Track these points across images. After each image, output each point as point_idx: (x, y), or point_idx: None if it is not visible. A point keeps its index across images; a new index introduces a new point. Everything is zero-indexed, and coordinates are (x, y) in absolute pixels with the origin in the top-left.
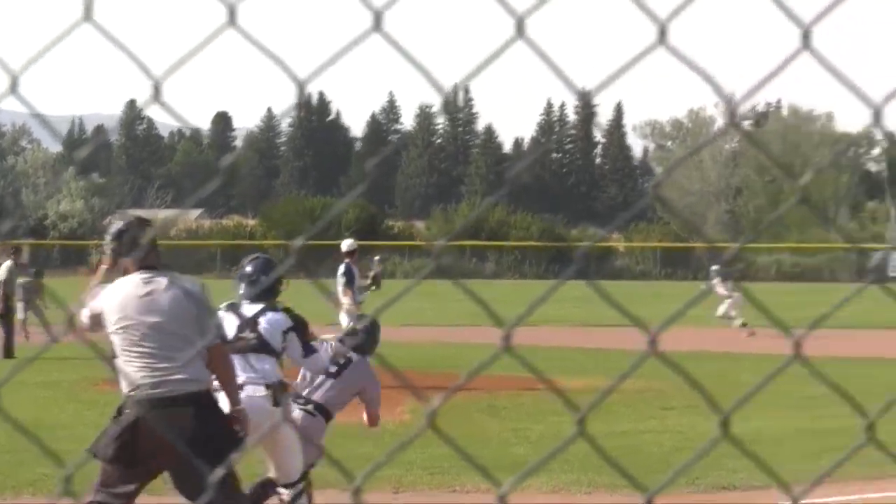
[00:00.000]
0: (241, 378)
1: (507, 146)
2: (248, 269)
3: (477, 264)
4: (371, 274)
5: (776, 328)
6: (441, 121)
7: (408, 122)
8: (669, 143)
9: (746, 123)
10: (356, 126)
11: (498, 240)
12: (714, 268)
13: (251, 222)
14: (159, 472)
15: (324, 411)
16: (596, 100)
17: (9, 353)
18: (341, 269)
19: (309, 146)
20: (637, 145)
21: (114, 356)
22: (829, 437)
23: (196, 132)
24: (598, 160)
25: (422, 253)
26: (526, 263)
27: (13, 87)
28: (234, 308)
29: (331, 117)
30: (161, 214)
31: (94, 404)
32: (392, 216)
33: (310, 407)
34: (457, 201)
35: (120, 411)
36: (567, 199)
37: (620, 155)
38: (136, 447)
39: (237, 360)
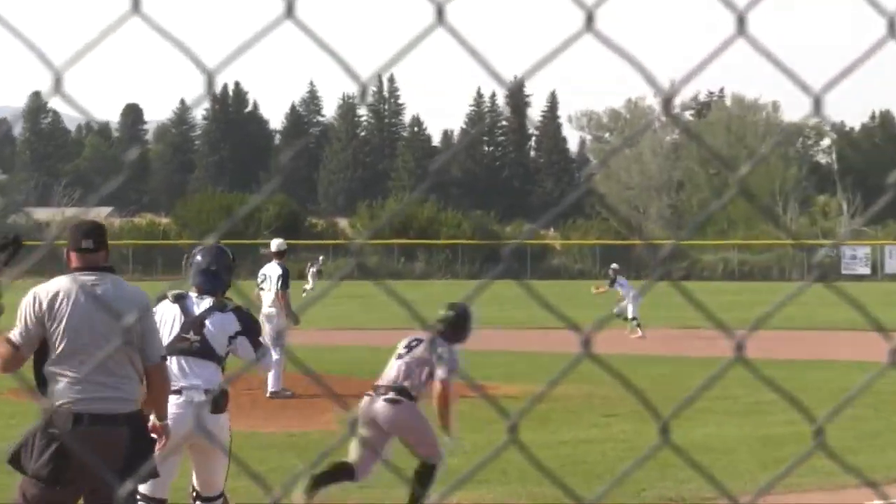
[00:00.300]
0: (179, 383)
1: (437, 139)
2: (200, 258)
3: (406, 264)
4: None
5: (719, 329)
6: (364, 112)
7: (330, 113)
8: (607, 135)
9: (687, 113)
10: (275, 118)
11: (428, 238)
12: (614, 266)
13: (164, 220)
14: (81, 493)
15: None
16: (528, 89)
17: None
18: (276, 269)
19: (225, 139)
20: (573, 137)
21: (39, 361)
22: (782, 444)
23: (104, 125)
24: (532, 153)
25: (347, 252)
26: (458, 262)
27: None
28: (181, 300)
29: (248, 109)
30: (68, 213)
31: None
32: (315, 213)
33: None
34: (383, 197)
35: (47, 424)
36: (500, 194)
37: (556, 147)
38: (69, 465)
39: (176, 362)
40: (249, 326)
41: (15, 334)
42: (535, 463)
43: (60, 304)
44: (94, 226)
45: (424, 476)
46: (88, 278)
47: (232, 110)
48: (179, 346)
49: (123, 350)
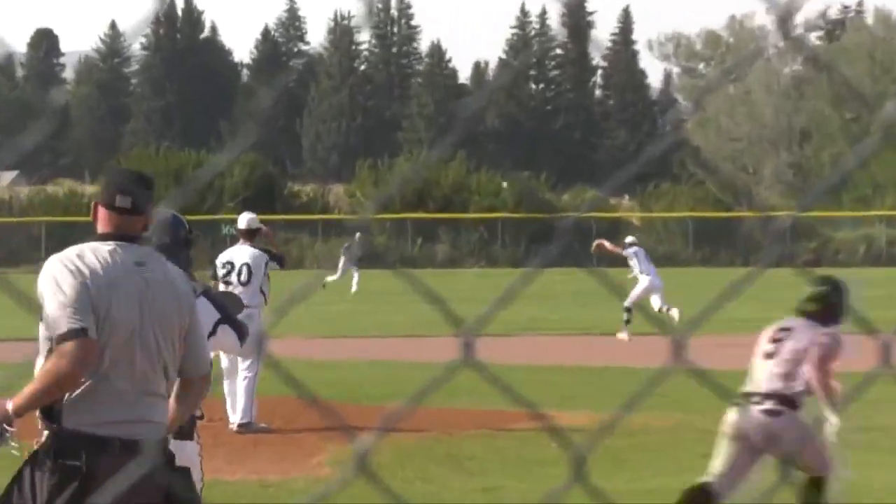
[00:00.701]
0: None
1: (465, 74)
2: (148, 233)
3: (425, 247)
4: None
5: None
6: (366, 37)
7: (316, 40)
8: (702, 66)
9: (814, 36)
10: (242, 47)
11: (454, 211)
12: (629, 239)
13: (89, 189)
14: None
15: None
16: (592, 3)
17: None
18: (245, 255)
19: (173, 77)
20: (655, 70)
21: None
22: None
23: (6, 59)
24: (598, 92)
25: (342, 230)
26: (496, 244)
27: None
28: None
29: (204, 34)
30: None
31: None
32: (298, 177)
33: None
34: (392, 155)
35: (57, 451)
36: (554, 150)
37: (630, 84)
38: None
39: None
40: (227, 306)
41: (72, 318)
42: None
43: (107, 284)
44: (137, 177)
45: (818, 491)
46: (133, 252)
47: (182, 37)
48: None
49: (165, 356)
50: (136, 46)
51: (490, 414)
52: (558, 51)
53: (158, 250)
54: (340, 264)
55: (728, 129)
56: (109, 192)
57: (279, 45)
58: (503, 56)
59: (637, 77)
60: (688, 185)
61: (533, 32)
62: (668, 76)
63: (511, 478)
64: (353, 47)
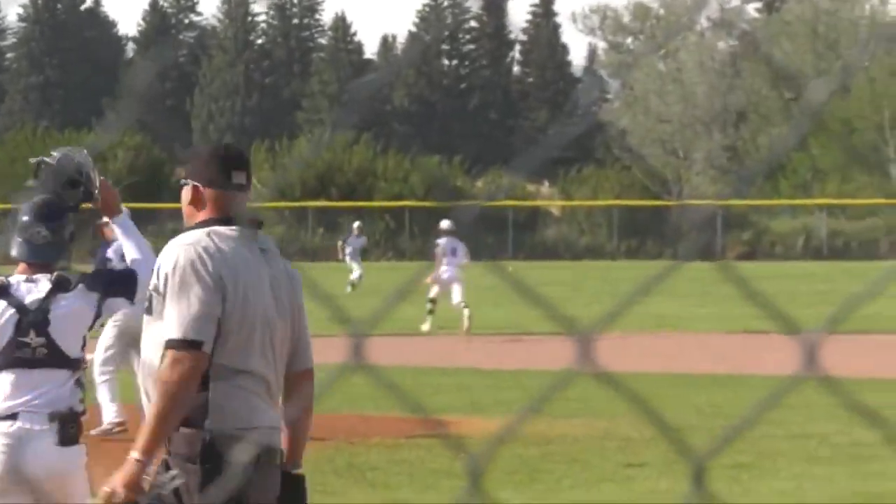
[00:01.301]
0: (13, 404)
1: (371, 49)
2: (26, 217)
3: (325, 237)
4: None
5: (793, 333)
6: (262, 8)
7: (209, 10)
8: (629, 41)
9: (751, 7)
10: (127, 19)
11: (359, 198)
12: (444, 224)
13: None
14: None
15: None
16: None
17: None
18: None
19: (53, 52)
20: (579, 45)
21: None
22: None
23: None
24: (516, 69)
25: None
26: (403, 234)
27: None
28: (4, 291)
29: (87, 5)
30: None
31: None
32: (187, 162)
33: None
34: (291, 137)
35: (210, 457)
36: (468, 132)
37: (552, 61)
38: None
39: (10, 377)
40: (106, 280)
41: (193, 328)
42: None
43: (241, 279)
44: (237, 150)
45: None
46: (255, 237)
47: (63, 7)
48: (16, 356)
49: (285, 351)
50: (11, 18)
51: (394, 421)
52: (473, 23)
53: (37, 239)
54: (348, 259)
55: (658, 111)
56: (223, 169)
57: (168, 16)
58: (413, 29)
59: (559, 53)
60: (613, 171)
61: (445, 3)
62: (593, 52)
63: (416, 490)
64: (250, 19)
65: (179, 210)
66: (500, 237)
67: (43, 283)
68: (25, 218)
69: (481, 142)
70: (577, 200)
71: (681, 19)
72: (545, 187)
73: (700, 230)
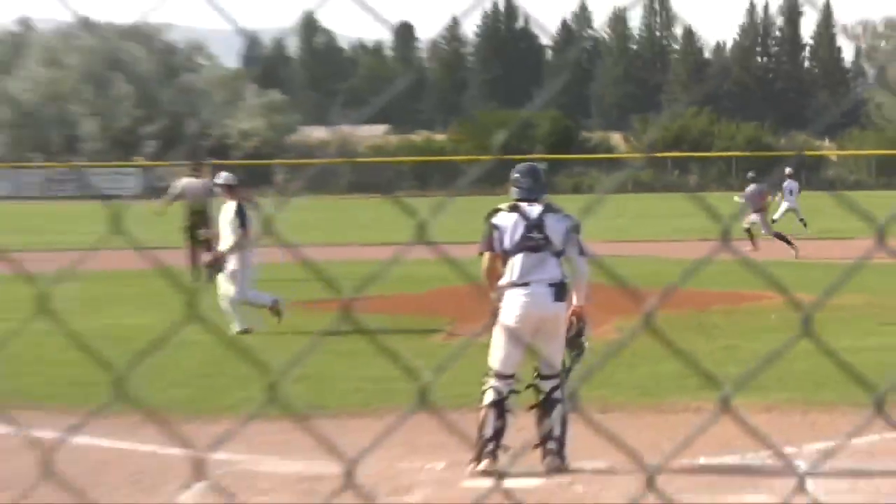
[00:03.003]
0: (528, 277)
1: (708, 51)
2: (519, 174)
3: (680, 176)
4: None
5: None
6: (637, 24)
7: (601, 26)
8: (883, 44)
9: None
10: (546, 33)
11: (701, 150)
12: (787, 170)
13: (440, 137)
14: None
15: None
16: None
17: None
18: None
19: (497, 56)
20: (848, 47)
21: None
22: None
23: (377, 44)
24: (806, 64)
25: (621, 165)
26: (731, 174)
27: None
28: (517, 209)
29: (519, 25)
30: (346, 131)
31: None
32: (588, 128)
33: None
34: (656, 111)
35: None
36: (774, 107)
37: (830, 58)
38: None
39: (522, 258)
40: (578, 225)
41: None
42: (832, 356)
43: None
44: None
45: None
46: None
47: (503, 26)
48: (526, 245)
49: None
50: (470, 34)
51: (730, 295)
52: (777, 33)
53: (531, 184)
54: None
55: None
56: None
57: (573, 31)
58: (736, 38)
59: (835, 52)
60: (872, 131)
61: (759, 20)
62: (858, 51)
63: (746, 340)
64: (627, 32)
65: (583, 159)
66: (796, 176)
67: (537, 208)
68: (517, 175)
69: (783, 113)
70: (848, 150)
71: None
72: (826, 142)
73: None
